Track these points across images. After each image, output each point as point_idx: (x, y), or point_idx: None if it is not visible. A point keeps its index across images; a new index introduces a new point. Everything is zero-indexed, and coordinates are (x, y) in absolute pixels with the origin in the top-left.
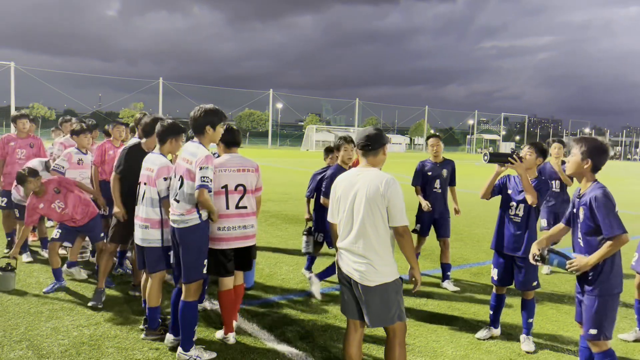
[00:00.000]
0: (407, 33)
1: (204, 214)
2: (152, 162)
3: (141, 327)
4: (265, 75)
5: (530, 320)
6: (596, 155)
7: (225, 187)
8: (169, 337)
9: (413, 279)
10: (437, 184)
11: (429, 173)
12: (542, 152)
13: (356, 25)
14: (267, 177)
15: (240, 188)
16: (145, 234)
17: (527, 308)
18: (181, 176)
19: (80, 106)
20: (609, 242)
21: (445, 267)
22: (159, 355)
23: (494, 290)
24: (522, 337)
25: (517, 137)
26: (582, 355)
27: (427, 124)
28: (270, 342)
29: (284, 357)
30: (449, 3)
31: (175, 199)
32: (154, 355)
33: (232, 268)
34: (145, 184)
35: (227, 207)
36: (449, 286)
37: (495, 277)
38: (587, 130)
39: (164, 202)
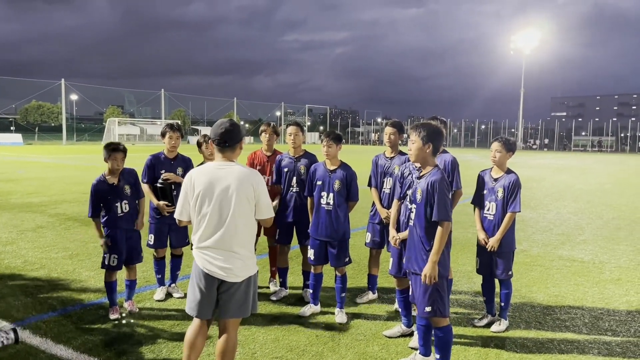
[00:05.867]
0: (213, 22)
1: None
2: None
3: None
4: (56, 63)
5: (343, 295)
6: (435, 138)
7: None
8: None
9: None
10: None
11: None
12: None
13: (158, 12)
14: (62, 175)
15: None
16: None
17: (342, 283)
18: None
19: None
20: (440, 228)
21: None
22: None
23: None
24: (337, 310)
25: (321, 127)
26: (419, 331)
27: (237, 115)
28: (69, 356)
29: None
30: None
31: None
32: None
33: None
34: None
35: None
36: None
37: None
38: (379, 119)
39: None
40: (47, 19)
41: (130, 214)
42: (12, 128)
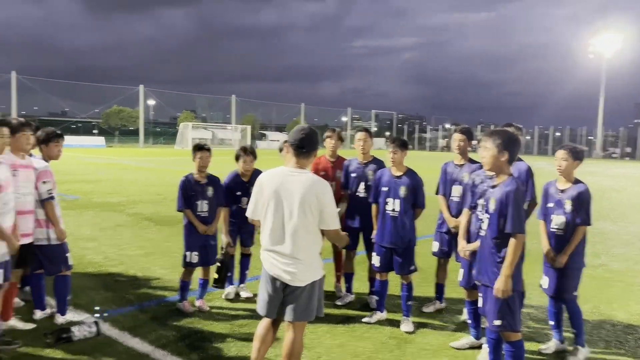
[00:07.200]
0: (281, 30)
1: None
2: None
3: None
4: (135, 69)
5: (409, 303)
6: (511, 146)
7: None
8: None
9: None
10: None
11: (353, 174)
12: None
13: (230, 20)
14: (139, 177)
15: None
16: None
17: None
18: None
19: None
20: (513, 240)
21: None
22: None
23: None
24: (403, 318)
25: (387, 133)
26: (490, 345)
27: (304, 120)
28: (145, 349)
29: None
30: (319, 2)
31: None
32: None
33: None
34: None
35: None
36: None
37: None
38: (447, 125)
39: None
40: (127, 29)
41: (208, 217)
42: (94, 131)
